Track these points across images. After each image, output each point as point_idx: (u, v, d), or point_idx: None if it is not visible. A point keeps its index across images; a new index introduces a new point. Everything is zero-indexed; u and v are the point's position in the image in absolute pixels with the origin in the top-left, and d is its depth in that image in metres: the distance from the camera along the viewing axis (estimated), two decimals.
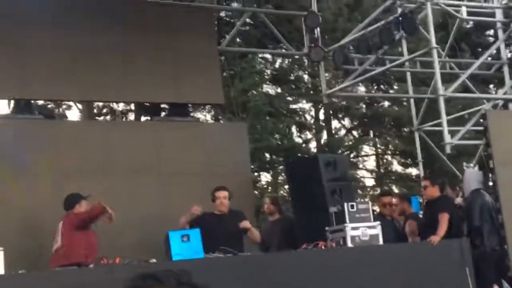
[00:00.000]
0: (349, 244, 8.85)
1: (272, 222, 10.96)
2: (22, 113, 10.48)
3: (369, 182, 27.98)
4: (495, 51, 14.14)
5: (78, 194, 8.93)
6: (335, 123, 26.44)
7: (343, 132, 26.60)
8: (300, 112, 25.57)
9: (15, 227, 9.51)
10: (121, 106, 23.50)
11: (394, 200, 10.73)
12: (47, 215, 9.77)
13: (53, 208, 9.83)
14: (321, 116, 25.84)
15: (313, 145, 25.18)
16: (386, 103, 25.84)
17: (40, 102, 17.80)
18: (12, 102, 10.68)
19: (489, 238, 9.82)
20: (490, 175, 10.54)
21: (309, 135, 25.85)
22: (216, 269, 8.13)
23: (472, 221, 9.85)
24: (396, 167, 27.23)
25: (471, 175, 10.71)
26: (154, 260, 8.38)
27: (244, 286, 8.03)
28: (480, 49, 22.11)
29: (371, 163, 27.80)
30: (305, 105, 25.69)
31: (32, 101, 11.09)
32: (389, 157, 27.65)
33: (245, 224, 9.15)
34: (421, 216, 10.52)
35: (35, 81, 10.51)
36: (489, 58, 14.68)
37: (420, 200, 11.69)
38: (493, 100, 14.36)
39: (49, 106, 20.82)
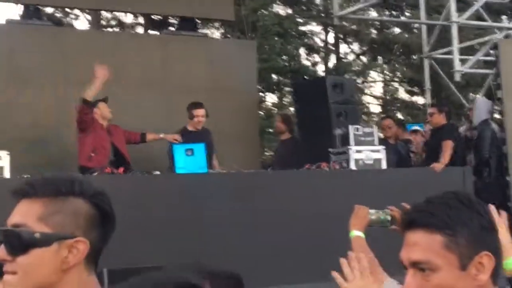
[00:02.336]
0: (353, 167, 8.86)
1: (282, 142, 10.92)
2: (31, 19, 10.39)
3: (375, 108, 27.95)
4: None
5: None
6: (344, 47, 26.25)
7: (351, 56, 26.41)
8: (310, 35, 25.34)
9: (22, 133, 9.54)
10: (129, 19, 23.29)
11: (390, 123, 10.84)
12: (52, 122, 9.81)
13: (58, 115, 9.87)
14: (331, 39, 25.64)
15: (321, 68, 25.03)
16: (397, 30, 25.57)
17: (49, 11, 17.64)
18: (22, 7, 10.56)
19: (495, 170, 9.85)
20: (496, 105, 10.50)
21: (317, 58, 25.69)
22: (219, 184, 8.19)
23: (482, 152, 9.84)
24: (403, 94, 27.15)
25: (482, 104, 10.64)
26: (158, 172, 8.43)
27: (246, 202, 8.09)
28: None
29: (378, 89, 27.72)
30: (315, 27, 25.44)
31: (41, 8, 10.98)
32: (396, 84, 27.54)
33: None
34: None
35: None
36: None
37: (424, 129, 11.68)
38: (506, 30, 14.19)
39: (57, 15, 20.64)
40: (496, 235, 1.93)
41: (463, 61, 11.77)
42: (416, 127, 11.92)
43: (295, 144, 10.68)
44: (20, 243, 1.76)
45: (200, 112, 9.22)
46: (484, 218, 1.90)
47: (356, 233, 3.42)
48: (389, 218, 3.38)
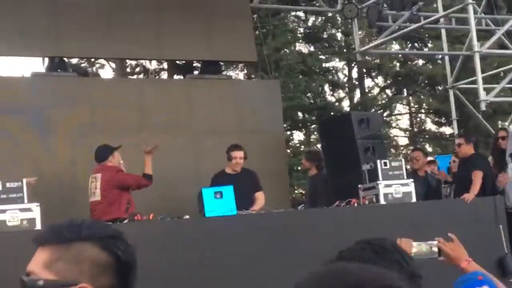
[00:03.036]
0: (382, 201, 8.82)
1: (310, 178, 11.11)
2: (56, 71, 10.54)
3: (403, 141, 27.86)
4: None
5: (108, 145, 8.89)
6: (368, 82, 26.30)
7: (376, 90, 26.44)
8: (333, 71, 25.43)
9: (50, 183, 9.62)
10: (154, 65, 23.54)
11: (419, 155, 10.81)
12: (80, 171, 9.88)
13: (87, 165, 9.93)
14: (354, 74, 25.69)
15: (346, 104, 25.09)
16: (420, 61, 25.59)
17: (74, 61, 17.90)
18: (47, 59, 10.72)
19: None
20: None
21: (342, 94, 25.75)
22: (249, 226, 8.18)
23: None
24: (430, 125, 27.07)
25: None
26: (187, 217, 8.45)
27: (276, 242, 8.06)
28: None
29: (404, 122, 27.67)
30: (338, 63, 25.55)
31: (66, 59, 11.15)
32: (423, 116, 27.47)
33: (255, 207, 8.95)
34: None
35: (69, 39, 10.56)
36: None
37: (453, 159, 11.64)
38: None
39: (83, 64, 20.93)
40: (419, 281, 1.80)
41: (488, 90, 11.72)
42: (431, 158, 12.01)
43: (322, 180, 10.77)
44: None
45: (238, 154, 9.26)
46: (403, 266, 1.78)
47: None
48: (436, 249, 3.31)
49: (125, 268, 1.82)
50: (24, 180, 7.49)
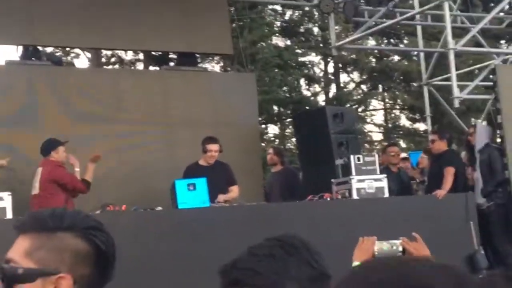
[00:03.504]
0: (355, 196, 8.86)
1: (274, 173, 11.07)
2: (31, 59, 10.46)
3: (377, 136, 28.01)
4: (507, 6, 13.98)
5: (56, 139, 8.76)
6: (344, 77, 26.39)
7: (352, 85, 26.52)
8: (309, 65, 25.49)
9: (21, 172, 9.56)
10: (129, 56, 23.45)
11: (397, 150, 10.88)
12: None
13: None
14: (330, 69, 25.76)
15: (321, 98, 25.15)
16: (396, 57, 25.71)
17: (49, 50, 17.75)
18: (21, 48, 10.64)
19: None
20: (497, 130, 10.51)
21: (317, 88, 25.81)
22: (222, 218, 8.19)
23: (496, 175, 9.81)
24: (404, 121, 27.22)
25: (482, 129, 10.65)
26: (160, 208, 8.44)
27: (249, 235, 8.06)
28: (492, 4, 21.88)
29: (379, 117, 27.80)
30: (314, 58, 25.60)
31: (41, 48, 11.06)
32: (397, 112, 27.61)
33: (221, 197, 8.82)
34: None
35: (44, 27, 10.48)
36: (501, 13, 14.52)
37: (421, 155, 11.77)
38: (503, 55, 14.25)
39: (58, 53, 20.78)
40: (327, 282, 1.77)
41: (462, 87, 11.81)
42: (405, 155, 12.09)
43: (286, 176, 10.78)
44: (5, 278, 1.75)
45: (214, 147, 9.19)
46: (313, 266, 1.76)
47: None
48: (400, 249, 3.35)
49: (104, 258, 1.82)
50: None
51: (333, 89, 25.30)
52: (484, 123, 13.53)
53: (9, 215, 7.39)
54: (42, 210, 1.87)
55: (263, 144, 19.80)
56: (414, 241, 3.35)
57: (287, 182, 10.65)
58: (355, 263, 3.40)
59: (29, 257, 1.77)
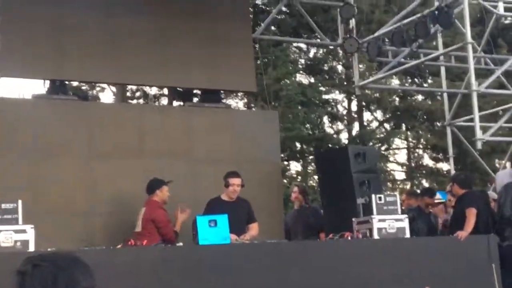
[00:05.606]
0: (376, 236, 8.83)
1: (297, 211, 11.10)
2: (57, 94, 10.60)
3: (400, 175, 27.90)
4: None
5: (160, 179, 9.32)
6: (367, 115, 26.41)
7: (375, 124, 26.52)
8: (333, 103, 25.55)
9: (46, 206, 9.64)
10: (154, 90, 23.65)
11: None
12: (79, 195, 9.93)
13: (85, 189, 10.00)
14: (354, 107, 25.80)
15: (344, 137, 25.17)
16: (420, 97, 25.71)
17: (75, 84, 17.99)
18: (47, 82, 10.79)
19: None
20: None
21: (340, 126, 25.84)
22: (242, 255, 8.19)
23: (503, 211, 9.76)
24: (427, 161, 27.12)
25: (502, 175, 10.63)
26: (181, 244, 8.46)
27: (270, 272, 8.07)
28: None
29: (402, 156, 27.73)
30: (337, 96, 25.68)
31: (67, 82, 11.21)
32: (421, 151, 27.53)
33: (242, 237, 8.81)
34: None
35: (70, 62, 10.63)
36: None
37: (449, 198, 11.72)
38: None
39: (83, 88, 21.02)
40: None
41: (486, 128, 11.80)
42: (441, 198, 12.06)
43: (309, 214, 10.89)
44: None
45: (236, 181, 9.17)
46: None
47: None
48: None
49: None
50: (19, 202, 7.51)
51: (356, 127, 25.32)
52: (508, 164, 13.47)
53: (32, 247, 7.45)
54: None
55: (285, 181, 19.81)
56: None
57: (311, 221, 10.70)
58: None
59: None
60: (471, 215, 9.37)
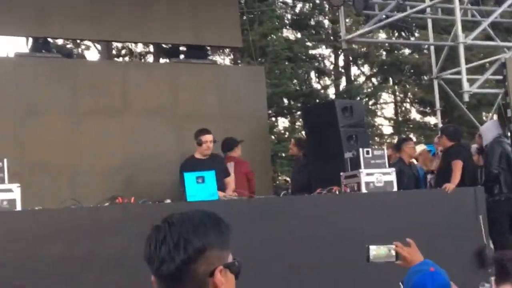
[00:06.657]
0: (363, 190, 8.84)
1: (296, 160, 11.56)
2: (40, 52, 10.47)
3: (387, 130, 27.94)
4: None
5: (235, 139, 9.91)
6: (354, 70, 26.32)
7: (362, 79, 26.46)
8: (320, 58, 25.44)
9: (31, 165, 9.60)
10: (139, 48, 23.47)
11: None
12: (63, 153, 9.86)
13: (69, 146, 9.93)
14: (341, 62, 25.70)
15: (331, 92, 25.09)
16: (407, 51, 25.63)
17: (59, 42, 17.79)
18: (30, 40, 10.65)
19: (506, 187, 9.78)
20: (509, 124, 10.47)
21: (328, 81, 25.76)
22: (230, 211, 8.18)
23: (490, 168, 9.79)
24: (415, 115, 27.15)
25: (487, 127, 10.63)
26: (169, 201, 8.44)
27: (258, 228, 8.08)
28: None
29: (389, 110, 27.74)
30: (324, 51, 25.55)
31: (51, 40, 11.08)
32: (408, 105, 27.54)
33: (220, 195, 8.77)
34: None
35: (54, 19, 10.49)
36: None
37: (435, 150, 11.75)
38: None
39: (68, 46, 20.83)
40: None
41: (473, 81, 11.76)
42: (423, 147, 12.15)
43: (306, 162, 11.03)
44: None
45: (208, 137, 9.07)
46: None
47: None
48: (393, 253, 3.35)
49: None
50: (5, 160, 7.45)
51: (343, 82, 25.25)
52: (495, 117, 13.48)
53: (19, 207, 7.41)
54: None
55: (272, 137, 19.79)
56: (407, 246, 3.35)
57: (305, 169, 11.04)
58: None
59: None
60: (458, 167, 9.38)
